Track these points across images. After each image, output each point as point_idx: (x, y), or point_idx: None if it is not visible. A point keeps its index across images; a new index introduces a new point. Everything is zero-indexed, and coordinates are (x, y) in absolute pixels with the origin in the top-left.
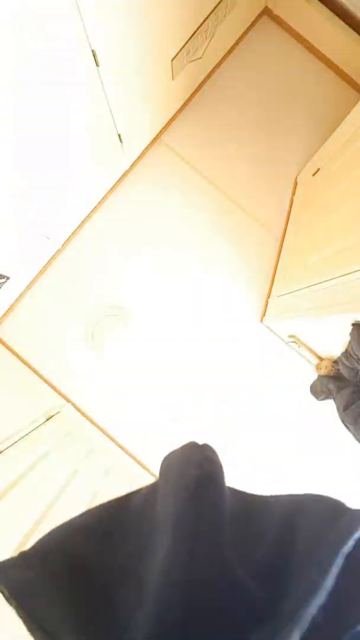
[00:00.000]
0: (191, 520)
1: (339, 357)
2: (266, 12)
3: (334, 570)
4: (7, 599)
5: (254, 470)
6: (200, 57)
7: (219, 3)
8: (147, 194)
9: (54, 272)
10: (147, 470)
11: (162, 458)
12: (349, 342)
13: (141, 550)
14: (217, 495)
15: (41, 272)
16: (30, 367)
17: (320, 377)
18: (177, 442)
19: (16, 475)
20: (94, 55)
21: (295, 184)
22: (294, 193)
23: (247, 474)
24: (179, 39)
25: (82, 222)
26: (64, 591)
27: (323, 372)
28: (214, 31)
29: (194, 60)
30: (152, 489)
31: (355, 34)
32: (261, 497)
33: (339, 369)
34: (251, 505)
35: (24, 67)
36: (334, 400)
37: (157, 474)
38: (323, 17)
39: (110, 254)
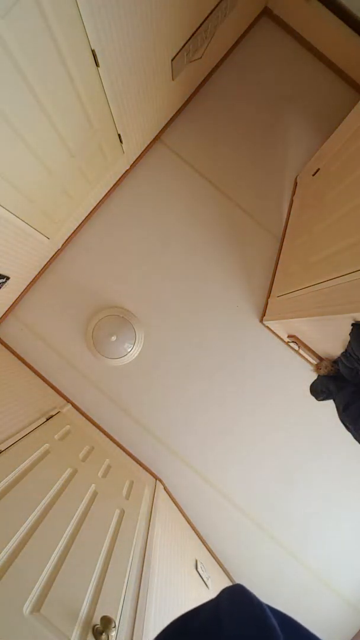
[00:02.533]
0: None
1: (339, 357)
2: (266, 12)
3: None
4: None
5: (252, 468)
6: (200, 58)
7: (219, 3)
8: (147, 194)
9: (54, 272)
10: (148, 470)
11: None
12: (349, 342)
13: None
14: None
15: (41, 273)
16: (30, 367)
17: (320, 377)
18: (177, 443)
19: (16, 475)
20: (94, 56)
21: (295, 184)
22: (294, 193)
23: (246, 471)
24: (179, 39)
25: (82, 222)
26: None
27: (323, 372)
28: (214, 31)
29: (194, 61)
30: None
31: (354, 34)
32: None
33: (339, 369)
34: None
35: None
36: (334, 400)
37: (157, 474)
38: (323, 17)
39: (109, 254)
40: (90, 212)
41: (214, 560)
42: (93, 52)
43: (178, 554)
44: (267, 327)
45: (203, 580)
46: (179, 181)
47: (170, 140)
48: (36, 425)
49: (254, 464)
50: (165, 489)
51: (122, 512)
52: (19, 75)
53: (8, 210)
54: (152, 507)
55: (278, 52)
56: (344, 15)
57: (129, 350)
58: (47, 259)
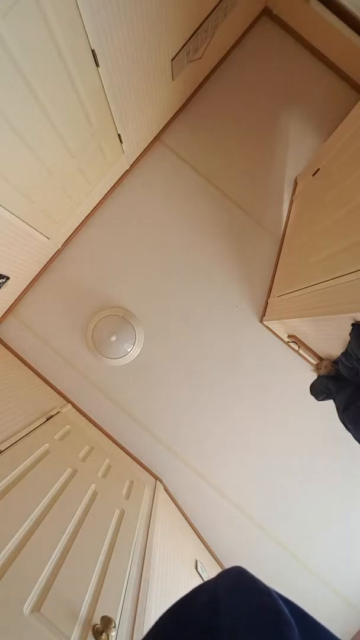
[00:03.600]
0: None
1: (339, 357)
2: (266, 12)
3: None
4: None
5: (252, 468)
6: (200, 57)
7: (219, 3)
8: (147, 194)
9: (54, 272)
10: (148, 470)
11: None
12: (349, 342)
13: None
14: None
15: (41, 273)
16: (30, 367)
17: (320, 377)
18: (177, 443)
19: (16, 475)
20: (94, 56)
21: (295, 184)
22: (293, 193)
23: (246, 471)
24: (179, 38)
25: (82, 222)
26: None
27: (323, 372)
28: (214, 31)
29: (194, 60)
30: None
31: (354, 34)
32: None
33: (338, 369)
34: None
35: None
36: (334, 400)
37: (157, 474)
38: (322, 17)
39: (109, 254)
40: (90, 212)
41: (214, 561)
42: (93, 52)
43: (178, 554)
44: (267, 327)
45: (203, 580)
46: (179, 181)
47: (170, 140)
48: (36, 425)
49: (254, 463)
50: (165, 489)
51: (122, 512)
52: (19, 76)
53: (8, 210)
54: (152, 507)
55: (278, 52)
56: (343, 15)
57: (129, 350)
58: (47, 259)
